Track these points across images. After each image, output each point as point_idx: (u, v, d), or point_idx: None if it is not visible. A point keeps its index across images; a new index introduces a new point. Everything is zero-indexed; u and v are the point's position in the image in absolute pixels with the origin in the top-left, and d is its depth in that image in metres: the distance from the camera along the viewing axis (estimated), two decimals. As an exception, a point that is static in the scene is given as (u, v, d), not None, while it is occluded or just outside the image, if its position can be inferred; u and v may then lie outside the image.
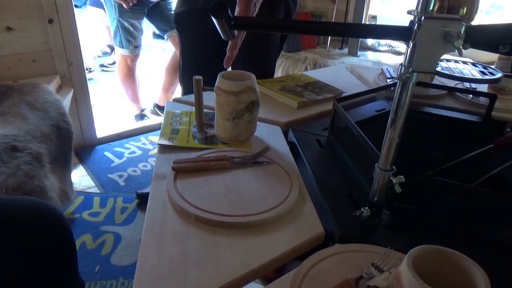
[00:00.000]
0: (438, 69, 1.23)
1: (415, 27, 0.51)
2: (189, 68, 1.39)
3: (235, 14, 0.92)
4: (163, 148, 0.89)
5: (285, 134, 1.01)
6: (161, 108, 2.75)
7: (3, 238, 0.61)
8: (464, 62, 1.32)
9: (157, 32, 2.60)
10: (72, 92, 2.01)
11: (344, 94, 1.22)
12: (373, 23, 2.91)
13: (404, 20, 0.54)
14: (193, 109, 0.98)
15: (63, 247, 0.68)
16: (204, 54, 1.35)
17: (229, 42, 0.93)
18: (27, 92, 1.54)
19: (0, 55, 1.79)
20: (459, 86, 1.34)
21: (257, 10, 0.95)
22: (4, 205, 0.65)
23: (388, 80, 1.33)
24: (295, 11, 1.39)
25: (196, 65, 1.37)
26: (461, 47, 0.49)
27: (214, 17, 0.56)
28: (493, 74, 1.23)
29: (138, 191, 1.85)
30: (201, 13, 1.26)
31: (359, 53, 2.80)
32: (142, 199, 1.82)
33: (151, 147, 2.36)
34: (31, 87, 1.58)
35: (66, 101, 1.82)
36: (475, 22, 1.27)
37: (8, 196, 1.02)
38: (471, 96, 1.18)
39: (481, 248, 0.63)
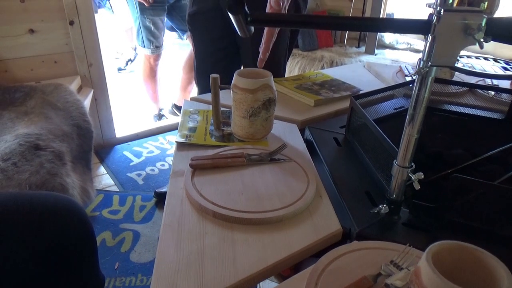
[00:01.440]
0: (459, 65, 1.21)
1: (434, 20, 0.50)
2: (203, 68, 1.40)
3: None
4: (180, 146, 0.90)
5: (302, 132, 1.01)
6: (179, 108, 2.78)
7: (27, 232, 0.63)
8: (486, 58, 1.29)
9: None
10: (92, 92, 2.05)
11: (361, 92, 1.21)
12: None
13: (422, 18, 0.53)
14: (210, 107, 0.99)
15: (84, 242, 0.70)
16: (217, 53, 1.35)
17: (262, 45, 0.93)
18: (49, 92, 1.58)
19: (24, 56, 1.84)
20: (481, 82, 1.31)
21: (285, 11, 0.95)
22: (28, 200, 0.67)
23: (407, 78, 1.31)
24: (305, 9, 1.37)
25: (210, 65, 1.37)
26: (482, 40, 0.48)
27: (231, 13, 0.56)
28: (516, 70, 1.20)
29: (156, 190, 1.88)
30: (212, 13, 1.27)
31: (376, 51, 2.77)
32: (160, 197, 1.85)
33: (169, 146, 2.38)
34: (53, 88, 1.62)
35: (86, 101, 1.86)
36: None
37: (31, 191, 1.05)
38: (493, 93, 1.15)
39: (503, 246, 0.62)
